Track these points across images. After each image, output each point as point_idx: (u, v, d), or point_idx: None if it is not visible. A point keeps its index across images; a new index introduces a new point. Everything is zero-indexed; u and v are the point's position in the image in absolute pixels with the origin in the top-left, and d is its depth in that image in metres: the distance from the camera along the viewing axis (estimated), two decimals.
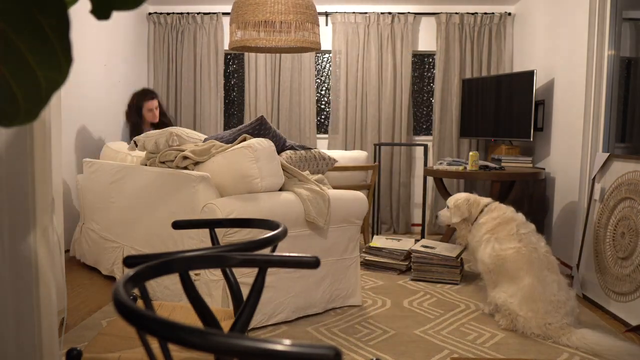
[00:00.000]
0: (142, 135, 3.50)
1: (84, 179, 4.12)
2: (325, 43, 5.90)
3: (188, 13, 5.88)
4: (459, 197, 3.36)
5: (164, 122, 5.15)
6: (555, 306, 2.76)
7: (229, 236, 2.68)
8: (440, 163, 4.42)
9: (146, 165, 3.38)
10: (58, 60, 0.59)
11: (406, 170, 5.89)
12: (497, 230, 3.08)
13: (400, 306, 3.28)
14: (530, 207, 4.55)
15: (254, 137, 3.14)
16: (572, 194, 4.13)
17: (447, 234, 4.33)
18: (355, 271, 3.24)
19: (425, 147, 5.24)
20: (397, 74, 5.81)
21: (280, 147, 3.52)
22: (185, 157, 3.06)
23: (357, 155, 4.74)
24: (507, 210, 3.18)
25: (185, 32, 5.90)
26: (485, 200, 3.32)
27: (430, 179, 5.93)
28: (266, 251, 1.39)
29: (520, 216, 3.14)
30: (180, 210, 2.97)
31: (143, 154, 3.61)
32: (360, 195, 3.24)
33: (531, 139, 4.61)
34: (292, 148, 3.60)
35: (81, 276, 3.89)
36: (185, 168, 3.06)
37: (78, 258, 4.20)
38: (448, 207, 3.41)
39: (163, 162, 3.22)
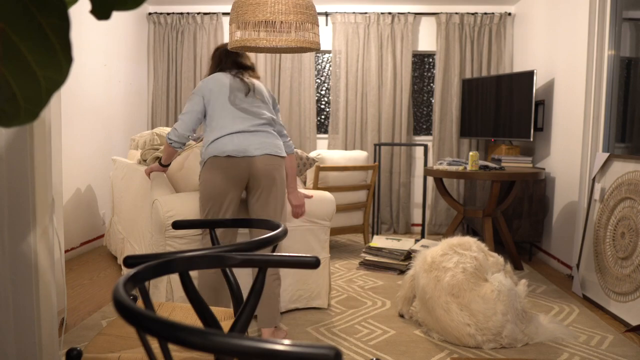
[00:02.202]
0: (138, 134, 3.70)
1: (113, 176, 4.51)
2: (325, 43, 5.90)
3: (188, 13, 5.88)
4: None
5: None
6: None
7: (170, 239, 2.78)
8: (440, 163, 4.42)
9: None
10: (58, 60, 0.59)
11: (406, 170, 5.89)
12: None
13: None
14: (530, 207, 4.55)
15: None
16: (572, 194, 4.13)
17: (448, 234, 4.33)
18: (323, 273, 3.19)
19: (425, 147, 5.24)
20: (397, 74, 5.81)
21: None
22: (157, 157, 3.27)
23: (357, 155, 4.74)
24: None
25: (185, 32, 5.90)
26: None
27: (430, 179, 5.93)
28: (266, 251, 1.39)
29: None
30: (146, 205, 3.20)
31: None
32: (326, 195, 3.20)
33: (531, 139, 4.61)
34: None
35: (82, 276, 3.89)
36: None
37: (109, 249, 4.53)
38: None
39: (145, 160, 3.41)
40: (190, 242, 2.85)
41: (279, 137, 2.83)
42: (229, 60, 3.00)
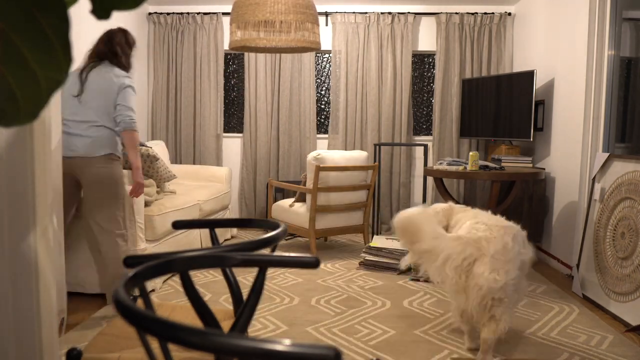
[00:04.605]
0: None
1: None
2: (325, 43, 5.90)
3: (188, 13, 5.88)
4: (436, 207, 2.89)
5: None
6: None
7: None
8: (440, 163, 4.42)
9: None
10: (58, 60, 0.59)
11: (406, 170, 5.89)
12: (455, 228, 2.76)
13: (400, 306, 3.28)
14: (530, 207, 4.55)
15: None
16: (572, 194, 4.13)
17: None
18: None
19: (425, 147, 5.24)
20: (397, 74, 5.81)
21: None
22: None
23: (357, 155, 4.74)
24: (470, 210, 2.85)
25: (185, 32, 5.90)
26: (458, 206, 2.94)
27: (430, 179, 5.93)
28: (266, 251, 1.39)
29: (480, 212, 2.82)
30: None
31: None
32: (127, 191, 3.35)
33: (531, 139, 4.61)
34: None
35: None
36: None
37: None
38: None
39: None
40: None
41: (101, 137, 2.97)
42: (94, 47, 3.14)
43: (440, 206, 2.92)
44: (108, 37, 3.12)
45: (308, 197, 4.48)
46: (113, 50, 3.08)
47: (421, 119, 6.14)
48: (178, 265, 1.12)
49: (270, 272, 3.99)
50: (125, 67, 3.13)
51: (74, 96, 3.00)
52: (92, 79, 3.02)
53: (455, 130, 5.77)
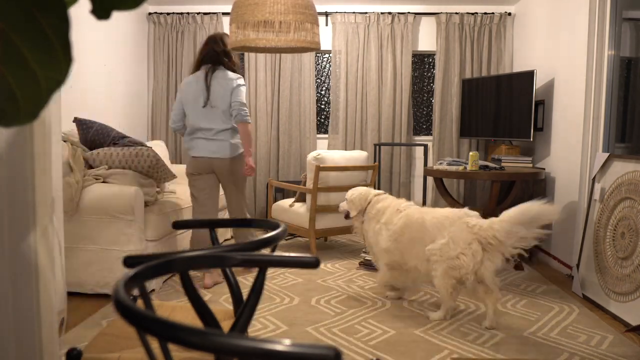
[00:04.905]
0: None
1: None
2: (325, 43, 5.90)
3: (188, 13, 5.88)
4: (354, 192, 3.50)
5: None
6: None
7: None
8: (440, 163, 4.41)
9: None
10: (58, 60, 0.59)
11: (406, 170, 5.89)
12: (382, 217, 3.29)
13: (400, 306, 3.29)
14: None
15: (80, 136, 3.85)
16: (572, 194, 4.13)
17: None
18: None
19: (425, 147, 5.24)
20: (397, 74, 5.81)
21: (108, 144, 3.85)
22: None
23: (357, 155, 4.74)
24: (390, 198, 3.39)
25: (185, 32, 5.90)
26: (374, 191, 3.48)
27: (430, 179, 5.93)
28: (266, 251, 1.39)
29: (402, 200, 3.36)
30: None
31: None
32: (127, 191, 3.34)
33: (531, 139, 4.61)
34: (114, 145, 3.88)
35: None
36: None
37: None
38: (346, 199, 3.54)
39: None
40: None
41: (227, 138, 3.56)
42: (206, 49, 3.56)
43: (359, 191, 3.48)
44: (215, 41, 3.53)
45: (308, 197, 4.48)
46: (223, 54, 3.54)
47: (421, 119, 6.14)
48: (178, 265, 1.12)
49: (270, 272, 3.99)
50: (234, 69, 3.59)
51: (202, 107, 3.48)
52: (214, 87, 3.47)
53: (455, 130, 5.77)
